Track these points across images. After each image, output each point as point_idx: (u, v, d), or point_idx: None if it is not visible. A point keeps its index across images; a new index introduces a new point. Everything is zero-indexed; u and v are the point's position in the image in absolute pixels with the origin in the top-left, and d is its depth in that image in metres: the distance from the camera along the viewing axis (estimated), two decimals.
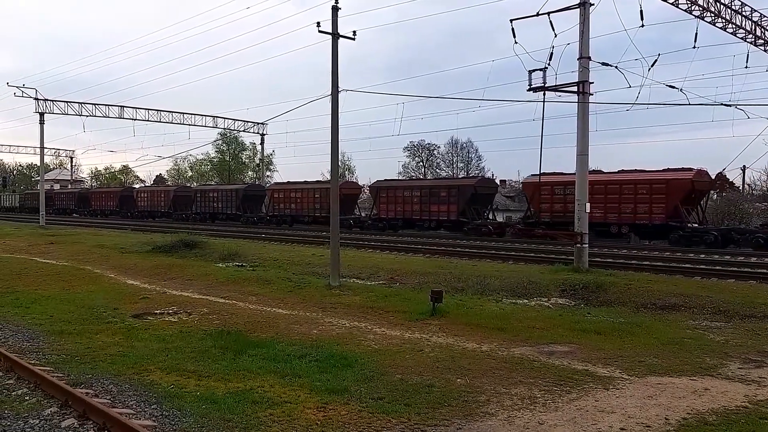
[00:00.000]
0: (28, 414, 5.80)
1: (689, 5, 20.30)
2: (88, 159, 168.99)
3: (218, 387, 6.59)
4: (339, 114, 14.93)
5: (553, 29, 15.98)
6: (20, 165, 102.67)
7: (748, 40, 23.13)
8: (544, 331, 9.58)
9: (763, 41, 23.77)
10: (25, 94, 39.13)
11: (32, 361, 7.49)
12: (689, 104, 17.04)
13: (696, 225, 25.01)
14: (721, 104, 17.87)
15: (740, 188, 45.41)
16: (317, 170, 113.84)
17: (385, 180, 38.79)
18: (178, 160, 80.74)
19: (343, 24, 14.90)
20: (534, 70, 16.01)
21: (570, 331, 9.57)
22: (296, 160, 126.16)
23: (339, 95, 14.89)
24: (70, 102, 41.04)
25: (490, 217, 33.46)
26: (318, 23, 14.56)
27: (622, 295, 12.47)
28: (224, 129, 52.46)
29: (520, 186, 41.06)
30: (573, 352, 8.27)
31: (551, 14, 15.89)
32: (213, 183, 68.85)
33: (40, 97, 39.49)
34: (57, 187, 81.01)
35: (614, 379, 7.02)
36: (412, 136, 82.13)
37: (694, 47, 19.72)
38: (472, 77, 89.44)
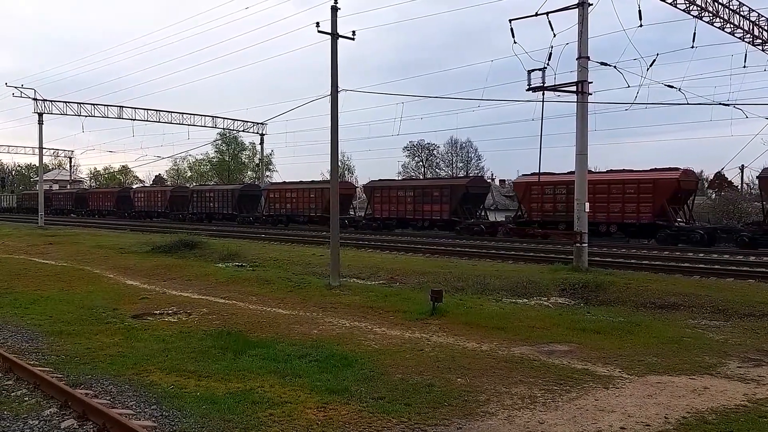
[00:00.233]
0: (28, 415, 5.80)
1: (687, 5, 20.30)
2: (88, 159, 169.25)
3: (218, 387, 6.59)
4: (339, 114, 14.94)
5: (552, 29, 15.99)
6: (19, 165, 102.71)
7: (746, 39, 23.15)
8: (543, 330, 9.59)
9: (761, 41, 23.78)
10: (23, 95, 39.08)
11: (31, 362, 7.48)
12: (688, 104, 17.08)
13: (683, 224, 25.31)
14: (720, 104, 17.90)
15: (739, 187, 45.52)
16: (317, 170, 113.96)
17: (380, 180, 39.07)
18: (178, 160, 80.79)
19: (342, 24, 14.93)
20: (533, 70, 16.02)
21: (570, 330, 9.58)
22: (296, 160, 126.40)
23: (338, 95, 14.90)
24: (68, 102, 40.98)
25: (483, 216, 33.75)
26: (317, 23, 14.56)
27: (621, 295, 12.49)
28: (223, 129, 52.51)
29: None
30: (573, 352, 8.28)
31: (550, 14, 15.89)
32: (212, 183, 68.83)
33: (38, 97, 39.47)
34: (56, 187, 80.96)
35: (614, 378, 7.03)
36: (411, 136, 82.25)
37: (693, 47, 19.74)
38: (472, 77, 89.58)
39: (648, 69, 16.52)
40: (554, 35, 15.97)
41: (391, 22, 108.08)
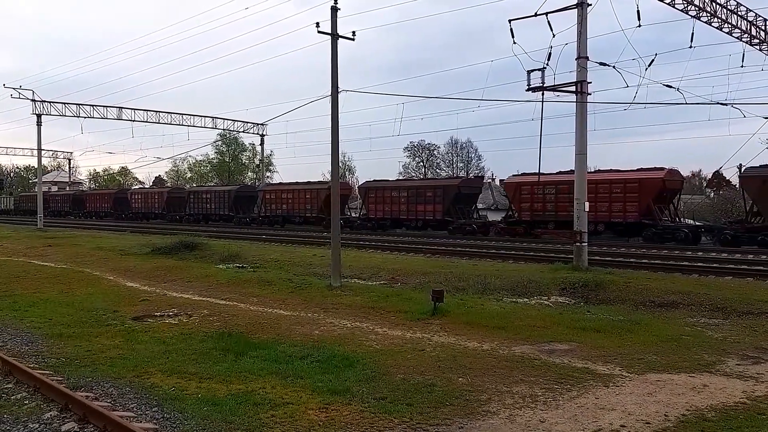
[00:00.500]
0: (28, 418, 5.79)
1: (685, 5, 20.34)
2: (87, 161, 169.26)
3: (220, 389, 6.59)
4: (339, 114, 14.95)
5: (551, 29, 16.02)
6: (17, 167, 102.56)
7: (743, 39, 23.20)
8: (544, 329, 9.61)
9: (758, 41, 23.83)
10: (22, 96, 39.01)
11: (31, 365, 7.47)
12: (686, 103, 17.10)
13: (668, 222, 25.71)
14: (718, 103, 17.93)
15: (737, 186, 45.51)
16: (318, 171, 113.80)
17: (374, 181, 39.37)
18: (178, 161, 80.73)
19: (343, 24, 14.94)
20: (533, 70, 16.05)
21: (570, 329, 9.60)
22: (296, 161, 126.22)
23: (339, 96, 14.91)
24: (67, 103, 40.94)
25: (475, 216, 34.03)
26: (317, 24, 14.56)
27: (621, 293, 12.52)
28: (224, 130, 52.47)
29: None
30: (573, 350, 8.30)
31: (549, 14, 15.92)
32: (212, 184, 68.77)
33: (37, 98, 39.43)
34: (55, 188, 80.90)
35: (614, 377, 7.05)
36: (412, 136, 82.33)
37: (691, 47, 19.77)
38: (472, 77, 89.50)
39: (646, 69, 16.58)
40: (553, 35, 16.03)
41: (391, 22, 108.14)
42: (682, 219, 28.70)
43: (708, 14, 21.35)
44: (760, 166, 23.51)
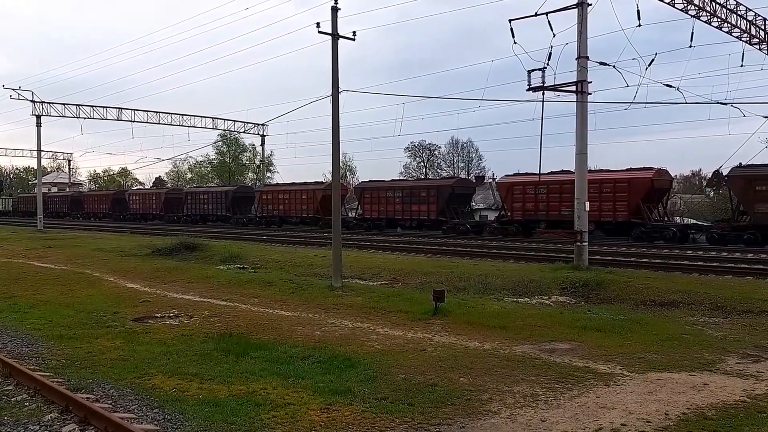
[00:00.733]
0: (28, 420, 5.79)
1: (685, 5, 20.37)
2: (87, 162, 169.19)
3: (221, 390, 6.59)
4: (340, 114, 14.95)
5: (552, 29, 16.04)
6: (17, 168, 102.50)
7: (743, 39, 23.23)
8: (545, 329, 9.61)
9: (758, 40, 23.86)
10: (21, 96, 38.99)
11: (31, 367, 7.46)
12: (686, 103, 17.15)
13: (657, 221, 25.93)
14: (717, 103, 17.98)
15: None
16: (318, 171, 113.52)
17: (370, 181, 39.65)
18: (178, 162, 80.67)
19: (343, 24, 14.95)
20: (533, 70, 16.06)
21: (571, 328, 9.61)
22: (297, 161, 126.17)
23: (339, 96, 14.91)
24: (67, 104, 40.92)
25: (470, 216, 34.26)
26: (318, 24, 14.57)
27: (621, 293, 12.54)
28: (224, 130, 52.44)
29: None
30: (574, 350, 8.31)
31: (549, 14, 15.94)
32: (211, 185, 68.73)
33: (37, 99, 39.41)
34: (54, 190, 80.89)
35: (615, 376, 7.05)
36: (413, 136, 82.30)
37: (691, 46, 19.81)
38: (473, 77, 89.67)
39: (647, 68, 16.62)
40: (554, 35, 16.05)
41: (392, 22, 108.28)
42: (671, 218, 29.01)
43: (708, 14, 21.37)
44: (745, 166, 23.67)
